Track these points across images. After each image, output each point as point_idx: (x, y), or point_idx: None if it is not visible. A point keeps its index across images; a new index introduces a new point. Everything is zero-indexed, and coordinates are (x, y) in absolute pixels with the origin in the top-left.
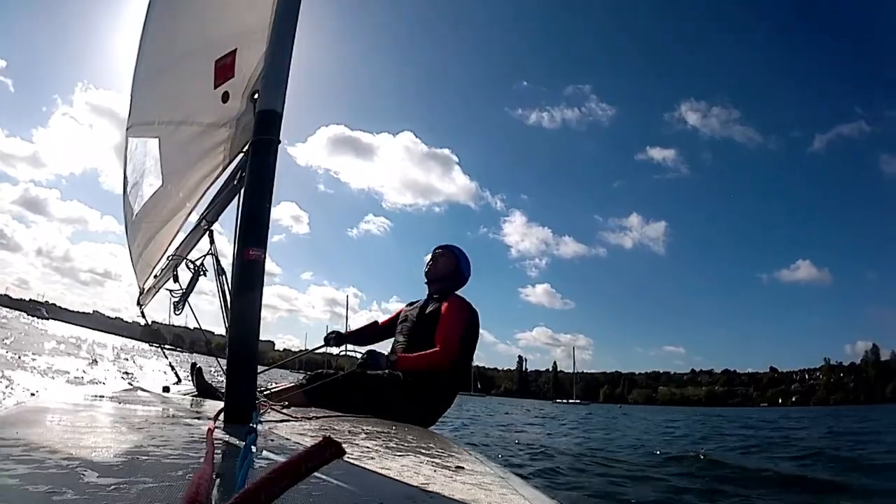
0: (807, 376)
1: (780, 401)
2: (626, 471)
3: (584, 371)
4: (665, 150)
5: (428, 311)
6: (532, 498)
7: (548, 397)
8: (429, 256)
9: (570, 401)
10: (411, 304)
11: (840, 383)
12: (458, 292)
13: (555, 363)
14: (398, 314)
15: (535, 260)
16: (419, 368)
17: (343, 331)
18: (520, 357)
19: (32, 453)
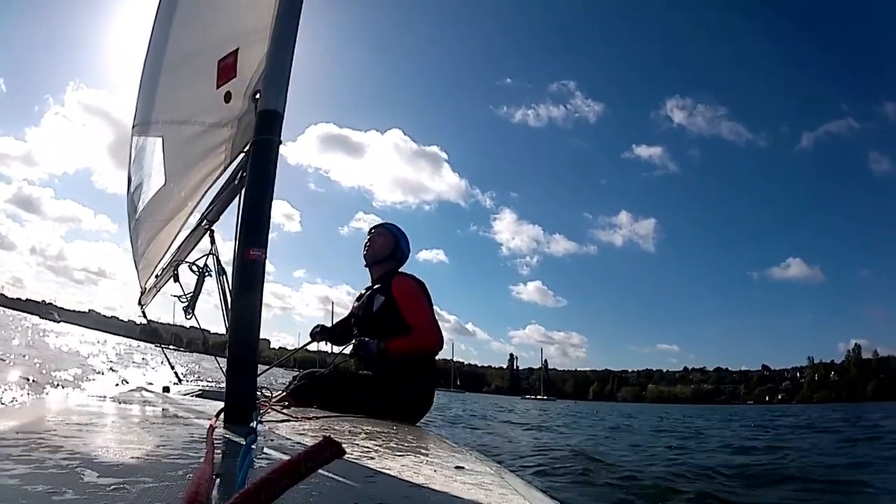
0: (798, 374)
1: (766, 398)
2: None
3: (577, 369)
4: (651, 148)
5: (375, 307)
6: (532, 498)
7: (551, 395)
8: (366, 240)
9: (538, 397)
10: (359, 297)
11: (824, 382)
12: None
13: (545, 361)
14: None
15: (527, 258)
16: (409, 352)
17: (325, 326)
18: (511, 355)
19: (32, 453)
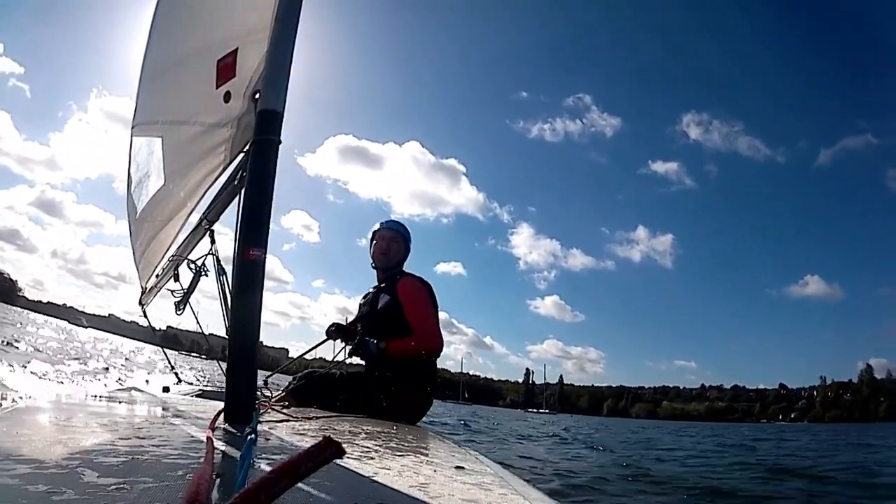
0: (815, 393)
1: (780, 417)
2: None
3: (594, 384)
4: (668, 164)
5: (380, 305)
6: (532, 498)
7: (555, 409)
8: (378, 242)
9: (541, 411)
10: (364, 296)
11: (837, 401)
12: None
13: (561, 376)
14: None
15: (544, 272)
16: (408, 354)
17: (340, 323)
18: (527, 370)
19: (32, 453)
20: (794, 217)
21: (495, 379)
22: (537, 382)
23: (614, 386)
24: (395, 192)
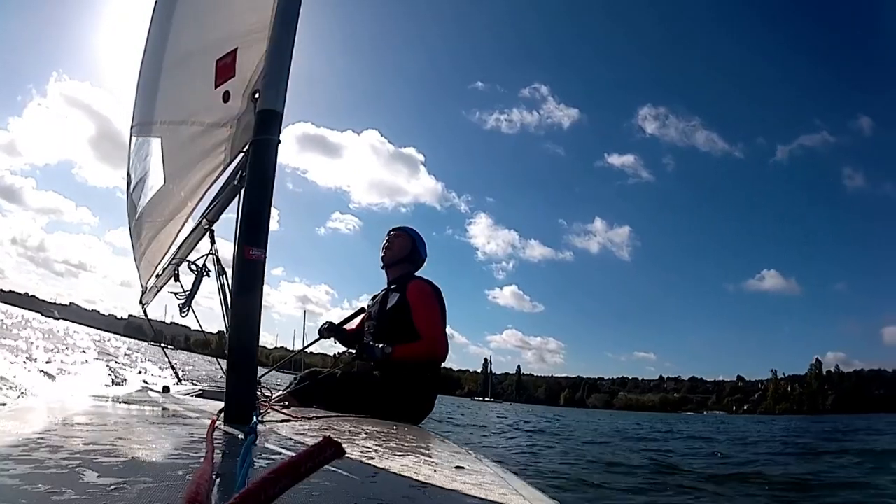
0: (771, 386)
1: (734, 409)
2: None
3: (554, 375)
4: (624, 157)
5: (389, 305)
6: (532, 498)
7: (511, 399)
8: (384, 243)
9: (486, 399)
10: (374, 297)
11: (787, 394)
12: (417, 273)
13: (518, 366)
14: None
15: (503, 263)
16: (415, 359)
17: (333, 322)
18: (485, 360)
19: (32, 453)
20: (751, 212)
21: (455, 369)
22: (497, 373)
23: (572, 377)
24: (354, 181)
